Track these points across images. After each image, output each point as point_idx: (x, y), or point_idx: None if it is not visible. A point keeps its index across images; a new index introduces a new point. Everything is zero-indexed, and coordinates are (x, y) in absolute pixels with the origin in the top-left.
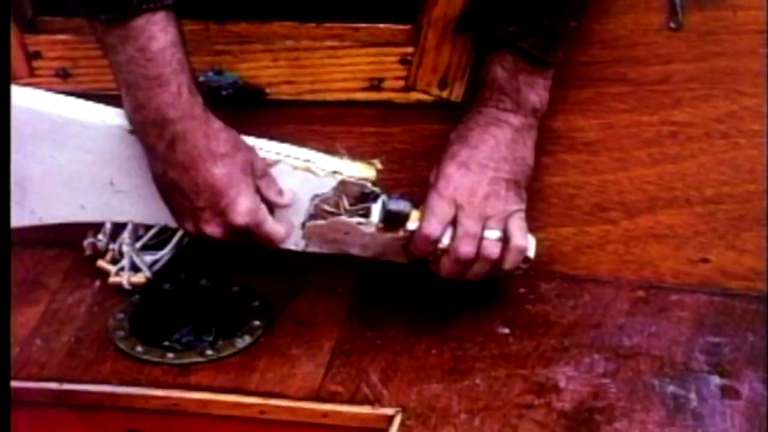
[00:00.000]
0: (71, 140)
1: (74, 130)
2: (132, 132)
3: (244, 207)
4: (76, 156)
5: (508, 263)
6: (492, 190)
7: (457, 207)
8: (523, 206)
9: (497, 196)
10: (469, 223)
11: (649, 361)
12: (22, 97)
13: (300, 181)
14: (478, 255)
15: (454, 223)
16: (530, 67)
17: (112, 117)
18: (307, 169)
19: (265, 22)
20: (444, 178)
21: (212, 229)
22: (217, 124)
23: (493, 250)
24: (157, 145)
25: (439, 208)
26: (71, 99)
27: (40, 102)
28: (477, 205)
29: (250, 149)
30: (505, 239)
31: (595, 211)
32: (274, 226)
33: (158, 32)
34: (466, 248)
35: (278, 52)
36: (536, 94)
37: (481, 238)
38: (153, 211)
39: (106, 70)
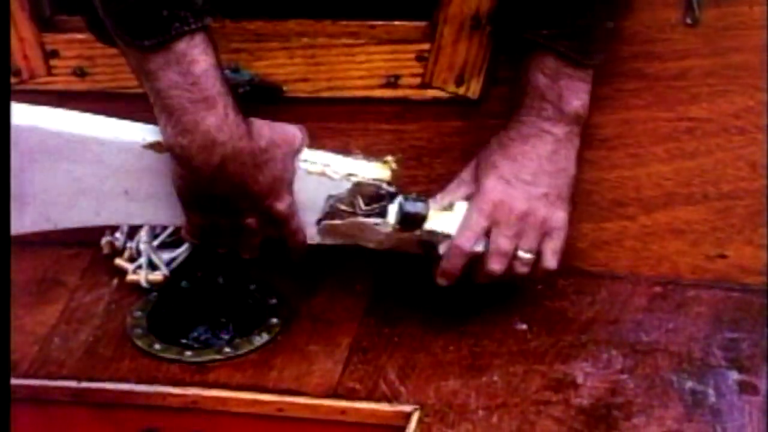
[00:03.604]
0: (86, 155)
1: (89, 146)
2: (157, 150)
3: (286, 200)
4: (91, 170)
5: (530, 276)
6: (530, 208)
7: (492, 222)
8: (561, 224)
9: (535, 215)
10: (502, 242)
11: (667, 357)
12: (36, 116)
13: (315, 184)
14: (507, 270)
15: (488, 234)
16: (570, 70)
17: (127, 132)
18: (322, 174)
19: (281, 20)
20: (482, 191)
21: (250, 220)
22: (254, 130)
23: (522, 269)
24: (203, 167)
25: (475, 222)
26: (86, 116)
27: (55, 121)
28: (513, 223)
29: (285, 134)
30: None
31: (613, 207)
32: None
33: (199, 55)
34: (496, 266)
35: (294, 49)
36: (578, 98)
37: (514, 256)
38: (168, 216)
39: (123, 68)
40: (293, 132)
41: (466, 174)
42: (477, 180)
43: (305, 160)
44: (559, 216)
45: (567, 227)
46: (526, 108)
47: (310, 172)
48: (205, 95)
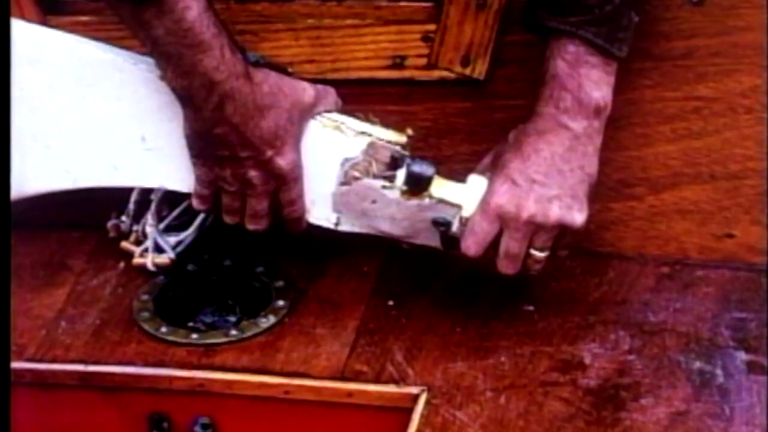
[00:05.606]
0: (104, 84)
1: (107, 72)
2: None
3: (289, 157)
4: (108, 105)
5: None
6: (540, 210)
7: (502, 224)
8: (576, 225)
9: (546, 217)
10: (511, 245)
11: (674, 338)
12: (63, 41)
13: (329, 142)
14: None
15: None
16: (593, 59)
17: (144, 62)
18: (337, 128)
19: (287, 1)
20: (489, 192)
21: (253, 173)
22: (257, 75)
23: (536, 267)
24: (204, 106)
25: (480, 227)
26: (104, 45)
27: (79, 46)
28: (521, 225)
29: (294, 87)
30: None
31: (620, 187)
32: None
33: (191, 1)
34: (508, 269)
35: (300, 31)
36: (599, 90)
37: (527, 254)
38: (183, 175)
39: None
40: (304, 87)
41: (482, 166)
42: (490, 177)
43: (321, 117)
44: (574, 218)
45: (583, 227)
46: (545, 99)
47: (324, 126)
48: (201, 39)
